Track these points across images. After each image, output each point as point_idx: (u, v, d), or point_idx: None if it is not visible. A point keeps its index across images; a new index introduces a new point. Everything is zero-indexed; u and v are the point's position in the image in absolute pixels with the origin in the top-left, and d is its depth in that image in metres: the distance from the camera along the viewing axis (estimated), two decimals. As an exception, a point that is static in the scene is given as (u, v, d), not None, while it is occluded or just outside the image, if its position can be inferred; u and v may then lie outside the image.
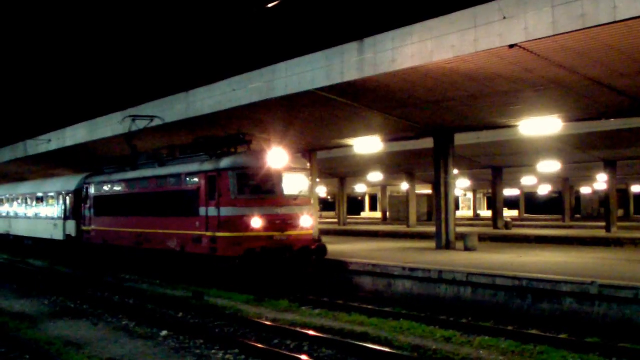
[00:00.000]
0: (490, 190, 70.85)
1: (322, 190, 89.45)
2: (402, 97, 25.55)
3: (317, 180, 44.34)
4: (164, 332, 16.83)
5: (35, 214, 43.26)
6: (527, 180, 72.83)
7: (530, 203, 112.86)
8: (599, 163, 49.57)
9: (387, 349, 14.38)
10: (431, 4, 21.38)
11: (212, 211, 24.30)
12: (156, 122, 32.52)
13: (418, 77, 22.50)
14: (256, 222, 23.64)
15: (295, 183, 25.00)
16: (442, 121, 29.23)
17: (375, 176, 64.14)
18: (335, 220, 72.62)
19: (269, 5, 18.54)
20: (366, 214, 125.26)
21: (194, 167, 25.96)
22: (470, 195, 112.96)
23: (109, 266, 32.31)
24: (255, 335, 16.59)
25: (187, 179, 26.14)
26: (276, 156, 24.47)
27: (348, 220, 76.72)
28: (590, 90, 22.50)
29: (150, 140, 36.04)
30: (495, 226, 53.88)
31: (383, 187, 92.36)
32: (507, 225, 54.66)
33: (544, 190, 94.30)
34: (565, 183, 73.08)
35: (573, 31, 17.13)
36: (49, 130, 48.19)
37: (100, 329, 17.50)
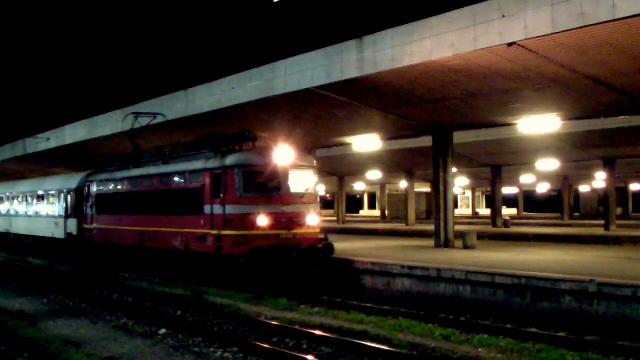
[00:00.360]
0: (489, 189, 70.86)
1: (321, 189, 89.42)
2: (402, 95, 25.55)
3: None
4: (162, 331, 16.83)
5: (36, 212, 42.97)
6: (526, 179, 72.85)
7: (529, 201, 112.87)
8: (598, 161, 49.60)
9: (386, 347, 14.38)
10: (430, 2, 21.37)
11: (217, 209, 23.97)
12: (159, 119, 32.27)
13: (417, 76, 22.50)
14: (262, 220, 23.27)
15: (302, 180, 24.68)
16: (441, 119, 29.23)
17: (374, 174, 64.15)
18: (334, 218, 72.62)
19: (275, 0, 18.50)
20: (365, 212, 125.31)
21: (198, 164, 25.64)
22: (469, 193, 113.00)
23: (110, 265, 32.10)
24: (254, 334, 16.59)
25: (192, 176, 25.84)
26: (283, 153, 24.10)
27: (347, 218, 76.74)
28: (590, 88, 22.50)
29: (153, 138, 35.89)
30: (494, 224, 53.87)
31: (382, 185, 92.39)
32: (506, 223, 54.66)
33: (543, 188, 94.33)
34: (564, 181, 73.10)
35: (572, 29, 17.13)
36: (48, 128, 48.15)
37: (99, 327, 17.50)
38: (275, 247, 22.99)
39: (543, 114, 26.64)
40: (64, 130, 45.83)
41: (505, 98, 24.59)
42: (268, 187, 23.99)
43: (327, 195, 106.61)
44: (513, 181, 79.15)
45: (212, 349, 14.74)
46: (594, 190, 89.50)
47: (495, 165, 54.74)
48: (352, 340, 15.17)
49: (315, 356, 14.00)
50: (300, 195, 24.30)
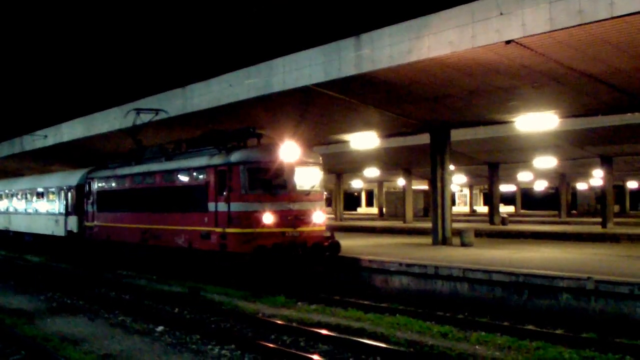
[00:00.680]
0: (487, 187, 70.87)
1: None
2: (399, 93, 25.54)
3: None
4: (160, 328, 16.85)
5: (36, 210, 42.68)
6: (524, 177, 72.85)
7: (527, 199, 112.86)
8: (595, 159, 49.61)
9: (384, 345, 14.40)
10: (429, 0, 21.35)
11: (222, 207, 23.71)
12: (161, 115, 31.98)
13: (415, 74, 22.50)
14: (268, 218, 23.01)
15: (308, 177, 24.46)
16: (439, 117, 29.24)
17: (372, 172, 64.11)
18: (332, 215, 72.65)
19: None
20: (363, 209, 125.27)
21: (202, 161, 25.39)
22: (466, 191, 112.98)
23: (111, 263, 31.86)
24: (252, 331, 16.61)
25: (196, 173, 25.62)
26: (288, 150, 23.94)
27: (345, 216, 76.74)
28: (588, 86, 22.50)
29: (154, 135, 35.68)
30: (491, 222, 53.88)
31: (380, 183, 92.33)
32: (503, 221, 54.66)
33: (541, 186, 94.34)
34: (562, 179, 73.13)
35: (570, 27, 17.13)
36: (46, 125, 48.01)
37: (97, 325, 17.51)
38: (281, 245, 22.68)
39: (541, 111, 26.63)
40: (61, 128, 45.73)
41: (503, 96, 24.59)
42: (274, 184, 23.70)
43: (325, 193, 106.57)
44: (511, 179, 79.16)
45: (209, 347, 14.76)
46: (591, 188, 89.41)
47: (492, 163, 54.74)
48: (350, 337, 15.19)
49: (313, 354, 14.02)
50: (307, 193, 24.11)
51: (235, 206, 23.29)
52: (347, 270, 24.77)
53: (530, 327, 17.07)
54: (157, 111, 31.97)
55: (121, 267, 30.87)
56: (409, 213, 62.41)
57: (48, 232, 40.01)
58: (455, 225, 34.83)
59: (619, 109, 27.62)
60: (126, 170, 31.56)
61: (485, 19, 18.83)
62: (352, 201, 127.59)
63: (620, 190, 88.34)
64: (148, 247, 28.80)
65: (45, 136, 47.79)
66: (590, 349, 14.39)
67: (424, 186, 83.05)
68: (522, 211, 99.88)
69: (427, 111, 28.19)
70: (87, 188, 34.94)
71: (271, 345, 14.55)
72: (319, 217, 24.32)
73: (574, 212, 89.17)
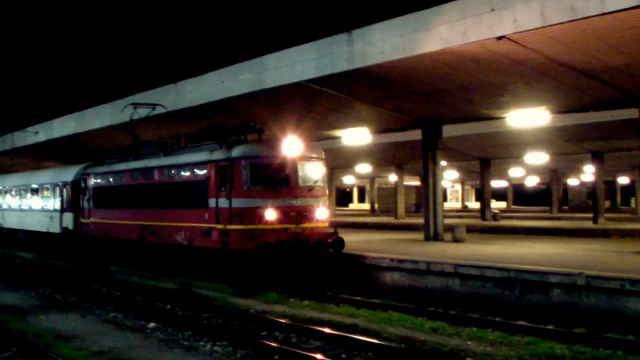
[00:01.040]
0: (478, 182, 70.98)
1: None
2: (391, 89, 25.56)
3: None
4: (152, 325, 16.84)
5: (30, 207, 42.28)
6: (516, 172, 72.97)
7: (519, 195, 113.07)
8: (586, 155, 49.72)
9: (376, 341, 14.42)
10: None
11: (223, 203, 23.21)
12: (159, 110, 31.44)
13: (407, 69, 22.51)
14: (271, 214, 22.58)
15: (311, 173, 24.11)
16: (430, 113, 29.27)
17: (364, 168, 64.16)
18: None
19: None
20: (355, 205, 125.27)
21: (203, 156, 24.93)
22: (458, 187, 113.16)
23: (108, 260, 31.49)
24: (243, 327, 16.61)
25: (196, 168, 25.12)
26: (291, 145, 23.51)
27: (336, 212, 76.76)
28: (579, 82, 22.55)
29: (150, 130, 35.25)
30: (483, 218, 53.97)
31: (372, 178, 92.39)
32: (495, 217, 54.77)
33: (532, 182, 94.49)
34: (553, 175, 73.26)
35: (562, 23, 17.15)
36: (38, 121, 47.83)
37: (89, 321, 17.49)
38: (285, 242, 22.33)
39: (533, 107, 26.68)
40: (52, 124, 45.60)
41: (495, 91, 24.63)
42: (276, 179, 23.29)
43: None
44: (502, 175, 79.30)
45: (201, 343, 14.75)
46: (582, 184, 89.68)
47: (484, 159, 54.81)
48: (343, 334, 15.20)
49: (305, 349, 14.03)
50: (310, 189, 23.74)
51: (237, 202, 22.83)
52: (347, 267, 24.62)
53: (521, 322, 17.11)
54: (154, 106, 31.40)
55: (118, 264, 30.55)
56: (401, 209, 62.45)
57: (43, 229, 39.57)
58: (447, 221, 34.88)
59: (610, 104, 27.66)
60: (123, 166, 31.09)
61: (477, 14, 18.84)
62: (344, 197, 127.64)
63: (611, 185, 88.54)
64: (146, 244, 28.39)
65: (37, 132, 47.65)
66: (582, 344, 14.43)
67: (416, 182, 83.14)
68: (514, 207, 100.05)
69: (419, 107, 28.22)
70: (83, 184, 34.43)
71: (263, 341, 14.57)
72: (322, 214, 23.95)
73: (565, 207, 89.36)
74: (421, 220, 32.83)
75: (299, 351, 13.60)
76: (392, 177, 71.49)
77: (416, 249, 26.56)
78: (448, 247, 27.10)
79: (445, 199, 76.50)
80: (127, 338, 15.30)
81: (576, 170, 71.46)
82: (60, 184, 37.70)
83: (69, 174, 37.31)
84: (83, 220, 34.43)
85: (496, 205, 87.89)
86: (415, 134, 34.24)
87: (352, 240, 31.58)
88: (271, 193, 22.93)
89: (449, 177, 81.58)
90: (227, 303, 19.81)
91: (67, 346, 14.21)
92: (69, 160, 48.61)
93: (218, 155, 23.97)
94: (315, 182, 24.14)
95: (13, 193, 45.54)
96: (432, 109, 28.50)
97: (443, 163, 33.51)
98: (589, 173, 61.64)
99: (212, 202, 23.78)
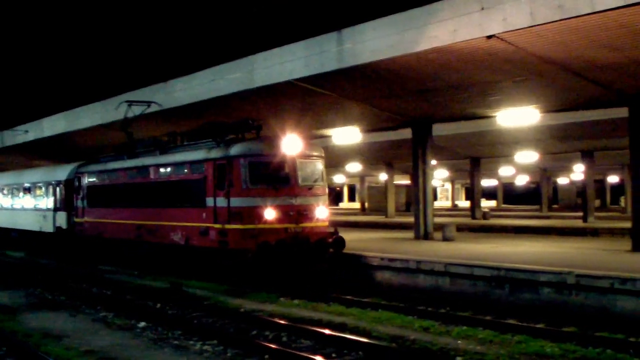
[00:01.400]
0: (468, 181, 71.08)
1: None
2: (382, 87, 25.55)
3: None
4: (142, 324, 16.81)
5: (23, 206, 42.00)
6: (506, 171, 73.07)
7: (509, 194, 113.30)
8: (576, 154, 49.83)
9: (366, 340, 14.42)
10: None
11: (221, 202, 22.97)
12: (154, 108, 31.09)
13: (397, 68, 22.50)
14: (270, 213, 22.27)
15: (310, 171, 23.83)
16: (420, 112, 29.28)
17: (354, 167, 64.15)
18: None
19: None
20: (345, 204, 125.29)
21: (200, 154, 24.69)
22: (448, 186, 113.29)
23: (103, 259, 31.26)
24: (233, 327, 16.60)
25: (193, 167, 24.93)
26: (290, 142, 23.24)
27: (327, 210, 76.60)
28: (569, 81, 22.58)
29: (143, 128, 34.96)
30: (473, 217, 54.06)
31: (362, 177, 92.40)
32: (485, 215, 54.88)
33: (522, 181, 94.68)
34: (543, 174, 73.43)
35: (551, 22, 17.17)
36: (27, 120, 47.61)
37: (79, 320, 17.47)
38: (285, 242, 21.97)
39: (522, 106, 26.71)
40: (42, 123, 45.41)
41: (485, 90, 24.64)
42: (276, 178, 22.95)
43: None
44: (492, 173, 79.41)
45: (191, 342, 14.74)
46: (572, 183, 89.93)
47: (474, 158, 54.88)
48: (333, 332, 15.20)
49: (295, 349, 14.03)
50: (309, 187, 23.45)
51: (236, 201, 22.57)
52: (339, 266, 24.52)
53: (512, 321, 17.11)
54: (149, 103, 31.03)
55: (110, 263, 30.37)
56: (391, 208, 62.50)
57: (35, 228, 39.29)
58: (437, 219, 34.92)
59: (600, 103, 27.72)
60: (118, 164, 30.77)
61: (467, 13, 18.84)
62: (334, 196, 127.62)
63: (601, 184, 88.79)
64: (142, 243, 28.10)
65: (27, 131, 47.46)
66: (572, 343, 14.45)
67: (406, 181, 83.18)
68: (504, 206, 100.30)
69: (409, 106, 28.23)
70: (77, 183, 34.11)
71: (253, 340, 14.56)
72: (322, 213, 23.68)
73: (555, 206, 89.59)
74: (411, 219, 32.85)
75: (290, 350, 13.60)
76: (383, 176, 71.46)
77: (406, 247, 26.57)
78: (438, 246, 27.13)
79: (435, 197, 76.73)
80: (117, 337, 15.28)
81: (566, 169, 71.64)
82: (53, 182, 37.38)
83: (62, 172, 37.00)
84: (77, 220, 34.18)
85: (486, 204, 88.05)
86: (406, 133, 34.23)
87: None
88: (271, 192, 22.64)
89: (439, 176, 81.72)
90: (217, 302, 19.81)
91: (57, 345, 14.18)
92: (60, 159, 48.35)
93: (216, 153, 23.71)
94: (315, 180, 23.88)
95: (5, 192, 45.29)
96: (422, 108, 28.51)
97: (433, 162, 33.58)
98: (578, 172, 61.72)
99: (210, 201, 23.54)
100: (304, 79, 24.70)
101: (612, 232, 39.03)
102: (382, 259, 22.93)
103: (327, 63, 23.37)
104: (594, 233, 39.52)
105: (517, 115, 27.73)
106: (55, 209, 36.85)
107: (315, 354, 13.57)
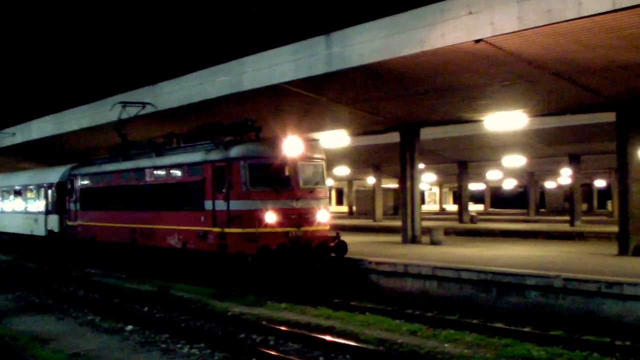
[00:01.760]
0: (456, 185, 71.22)
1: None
2: (369, 91, 25.58)
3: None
4: (129, 327, 16.79)
5: (13, 209, 41.54)
6: (493, 175, 73.28)
7: (496, 198, 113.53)
8: (564, 158, 50.00)
9: (353, 343, 14.43)
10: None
11: (220, 205, 22.50)
12: (148, 109, 30.50)
13: (385, 72, 22.53)
14: (271, 217, 21.75)
15: (312, 174, 23.33)
16: (408, 116, 29.32)
17: (342, 170, 64.18)
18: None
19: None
20: (332, 207, 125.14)
21: (198, 156, 24.16)
22: (436, 189, 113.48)
23: (94, 263, 30.92)
24: (221, 330, 16.58)
25: (191, 169, 24.39)
26: (291, 144, 22.68)
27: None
28: (557, 85, 22.65)
29: (139, 129, 34.52)
30: (461, 220, 54.19)
31: (349, 181, 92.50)
32: (472, 219, 55.03)
33: (510, 185, 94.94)
34: (531, 178, 73.64)
35: (539, 27, 17.24)
36: (15, 123, 47.42)
37: (66, 324, 17.43)
38: (286, 246, 21.44)
39: (510, 110, 26.77)
40: (30, 125, 45.23)
41: (472, 94, 24.71)
42: (276, 180, 22.51)
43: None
44: (480, 177, 79.63)
45: (179, 346, 14.72)
46: (560, 187, 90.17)
47: (462, 162, 55.02)
48: (320, 336, 15.20)
49: (282, 352, 14.02)
50: (311, 190, 22.93)
51: (236, 204, 22.11)
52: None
53: (499, 324, 17.16)
54: (144, 104, 30.53)
55: (103, 267, 30.10)
56: (379, 211, 62.59)
57: (27, 231, 38.87)
58: (425, 223, 34.97)
59: (588, 108, 27.82)
60: (113, 167, 30.30)
61: (455, 17, 18.89)
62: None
63: (588, 188, 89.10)
64: (137, 247, 27.64)
65: (14, 134, 47.28)
66: (558, 346, 14.51)
67: (394, 184, 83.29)
68: (491, 209, 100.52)
69: (397, 110, 28.27)
70: (70, 185, 33.62)
71: (240, 343, 14.56)
72: (324, 216, 23.19)
73: (543, 210, 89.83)
74: (399, 223, 32.87)
75: (277, 353, 13.59)
76: (370, 180, 71.52)
77: (394, 251, 26.57)
78: (426, 250, 27.15)
79: (423, 201, 76.72)
80: (104, 340, 15.26)
81: (553, 173, 71.86)
82: (45, 185, 36.90)
83: (54, 175, 36.51)
84: (70, 223, 33.76)
85: (474, 207, 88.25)
86: (394, 137, 34.27)
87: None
88: (271, 195, 22.18)
89: (427, 180, 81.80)
90: (205, 305, 19.78)
91: (44, 348, 14.17)
92: (49, 162, 48.13)
93: (215, 155, 23.28)
94: (317, 183, 23.45)
95: None
96: (410, 112, 28.55)
97: (421, 165, 33.61)
98: (566, 176, 61.93)
99: (208, 204, 23.14)
100: (292, 82, 24.69)
101: (599, 236, 39.17)
102: (369, 262, 22.91)
103: (316, 67, 23.37)
104: (581, 237, 39.67)
105: (505, 120, 27.79)
106: (47, 212, 36.34)
107: (303, 357, 13.58)
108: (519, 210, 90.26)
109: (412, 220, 31.05)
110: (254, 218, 21.79)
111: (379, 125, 31.87)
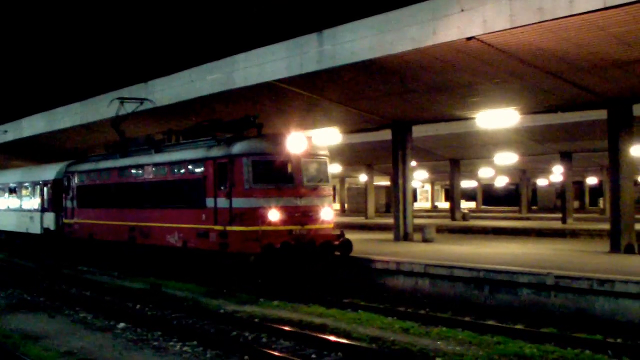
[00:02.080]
0: (448, 182, 71.25)
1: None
2: (362, 89, 25.59)
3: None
4: (122, 325, 16.77)
5: (8, 206, 41.10)
6: (485, 173, 73.31)
7: (488, 195, 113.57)
8: (555, 155, 50.03)
9: (345, 341, 14.43)
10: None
11: (222, 202, 22.14)
12: (146, 105, 30.27)
13: (377, 70, 22.53)
14: (274, 215, 21.38)
15: (316, 171, 22.93)
16: (400, 113, 29.33)
17: (334, 168, 64.13)
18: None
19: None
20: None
21: (199, 153, 23.76)
22: (428, 187, 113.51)
23: (93, 262, 30.52)
24: (213, 328, 16.57)
25: (192, 166, 24.09)
26: (295, 141, 22.25)
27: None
28: (548, 83, 22.68)
29: (136, 125, 34.33)
30: (453, 218, 54.19)
31: (342, 178, 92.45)
32: (464, 217, 55.03)
33: (502, 182, 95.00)
34: (523, 175, 73.68)
35: (531, 24, 17.26)
36: (6, 121, 47.30)
37: (58, 321, 17.39)
38: (290, 244, 21.06)
39: (502, 108, 26.79)
40: (21, 123, 45.09)
41: (464, 92, 24.72)
42: (279, 178, 22.06)
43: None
44: (472, 175, 79.65)
45: (171, 343, 14.71)
46: (551, 184, 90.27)
47: (454, 159, 55.04)
48: (312, 333, 15.21)
49: (275, 350, 14.02)
50: (314, 188, 22.54)
51: (238, 202, 21.74)
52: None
53: (491, 322, 17.18)
54: (142, 100, 30.22)
55: (97, 265, 29.91)
56: (371, 209, 62.62)
57: (22, 229, 38.51)
58: (417, 221, 34.95)
59: (579, 105, 27.84)
60: (111, 164, 29.85)
61: (447, 15, 18.92)
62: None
63: (580, 186, 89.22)
64: (136, 245, 27.26)
65: (6, 131, 47.13)
66: (550, 344, 14.53)
67: (386, 182, 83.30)
68: (483, 207, 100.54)
69: (389, 107, 28.28)
70: (66, 183, 33.12)
71: (233, 341, 14.55)
72: (328, 214, 22.81)
73: (535, 207, 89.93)
74: (391, 220, 32.88)
75: (269, 351, 13.59)
76: (363, 177, 71.53)
77: (386, 249, 26.58)
78: (418, 247, 27.17)
79: (415, 199, 76.83)
80: (96, 338, 15.23)
81: (545, 171, 71.90)
82: (41, 182, 36.44)
83: (50, 172, 36.01)
84: (66, 221, 33.35)
85: (466, 205, 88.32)
86: (386, 134, 34.26)
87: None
88: (274, 192, 21.79)
89: (419, 177, 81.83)
90: (197, 303, 19.77)
91: (36, 346, 14.13)
92: (42, 159, 47.88)
93: (217, 152, 22.91)
94: (321, 180, 23.07)
95: None
96: (402, 110, 28.56)
97: (413, 163, 33.60)
98: (557, 173, 61.98)
99: (210, 202, 22.81)
100: (284, 80, 24.68)
101: (591, 234, 39.20)
102: (362, 260, 22.90)
103: (307, 64, 23.35)
104: (573, 234, 39.71)
105: (497, 117, 27.80)
106: (43, 210, 35.89)
107: (296, 355, 13.58)
108: (511, 208, 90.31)
109: (404, 218, 31.07)
110: (257, 216, 21.45)
111: (371, 123, 31.86)
